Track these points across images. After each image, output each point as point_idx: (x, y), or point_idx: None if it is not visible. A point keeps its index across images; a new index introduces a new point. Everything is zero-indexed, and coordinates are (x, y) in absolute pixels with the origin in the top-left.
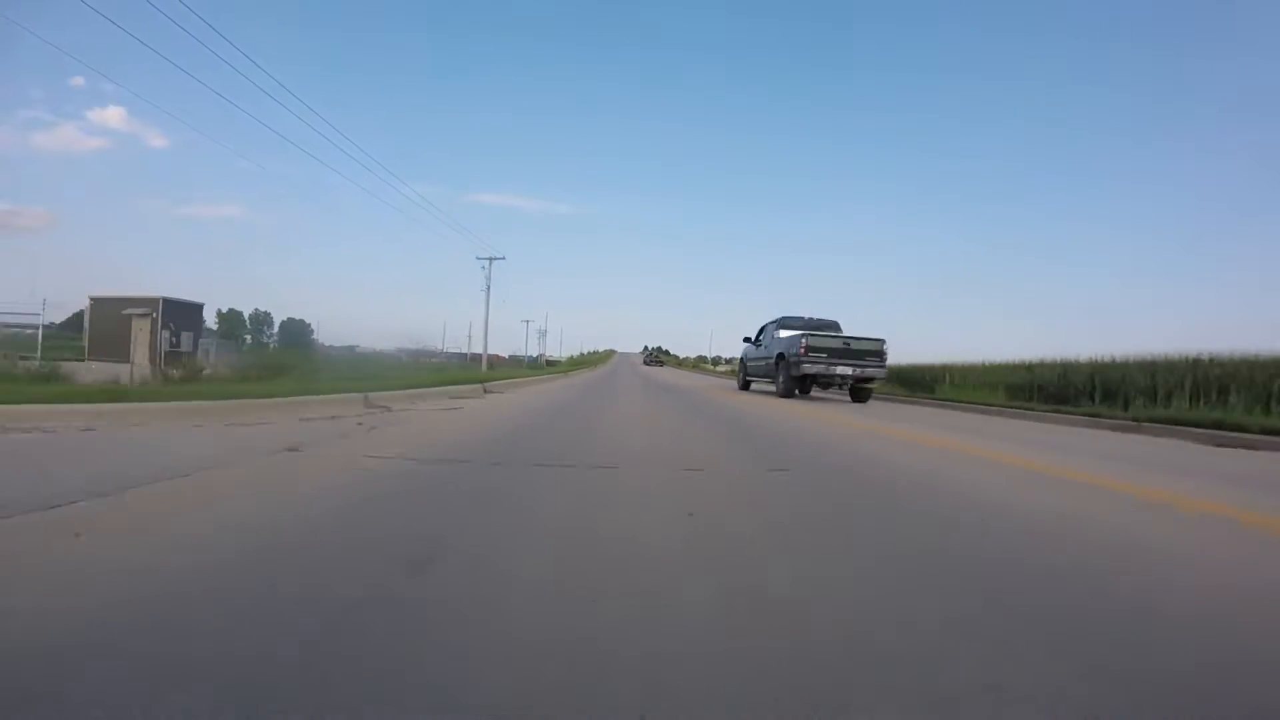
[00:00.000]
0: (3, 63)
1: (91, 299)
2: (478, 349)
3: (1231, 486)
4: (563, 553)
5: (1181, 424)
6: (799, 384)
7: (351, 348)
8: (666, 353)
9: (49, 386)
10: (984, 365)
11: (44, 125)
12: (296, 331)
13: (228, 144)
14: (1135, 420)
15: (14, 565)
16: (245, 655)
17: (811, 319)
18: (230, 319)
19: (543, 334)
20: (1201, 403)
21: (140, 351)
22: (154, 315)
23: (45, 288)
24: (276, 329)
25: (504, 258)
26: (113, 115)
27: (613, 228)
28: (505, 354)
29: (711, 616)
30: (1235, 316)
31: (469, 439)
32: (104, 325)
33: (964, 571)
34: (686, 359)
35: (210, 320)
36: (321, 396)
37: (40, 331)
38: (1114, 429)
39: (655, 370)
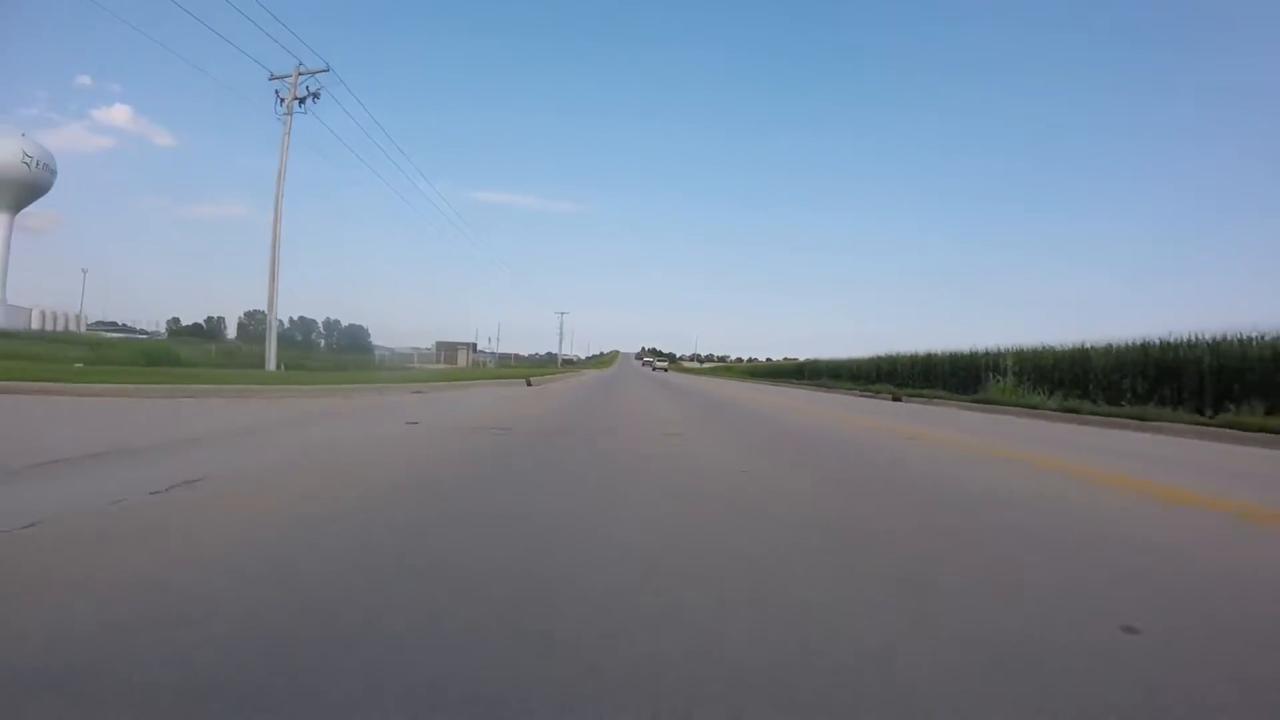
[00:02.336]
0: (7, 64)
1: (439, 343)
2: (504, 349)
3: None
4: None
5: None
6: (650, 367)
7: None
8: (660, 353)
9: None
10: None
11: (50, 124)
12: (357, 335)
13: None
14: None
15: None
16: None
17: (653, 349)
18: (303, 325)
19: (561, 338)
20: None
21: (461, 360)
22: (470, 348)
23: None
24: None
25: (569, 311)
26: (119, 114)
27: (612, 225)
28: (525, 353)
29: None
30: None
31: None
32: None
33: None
34: (680, 358)
35: (285, 322)
36: (549, 374)
37: (416, 352)
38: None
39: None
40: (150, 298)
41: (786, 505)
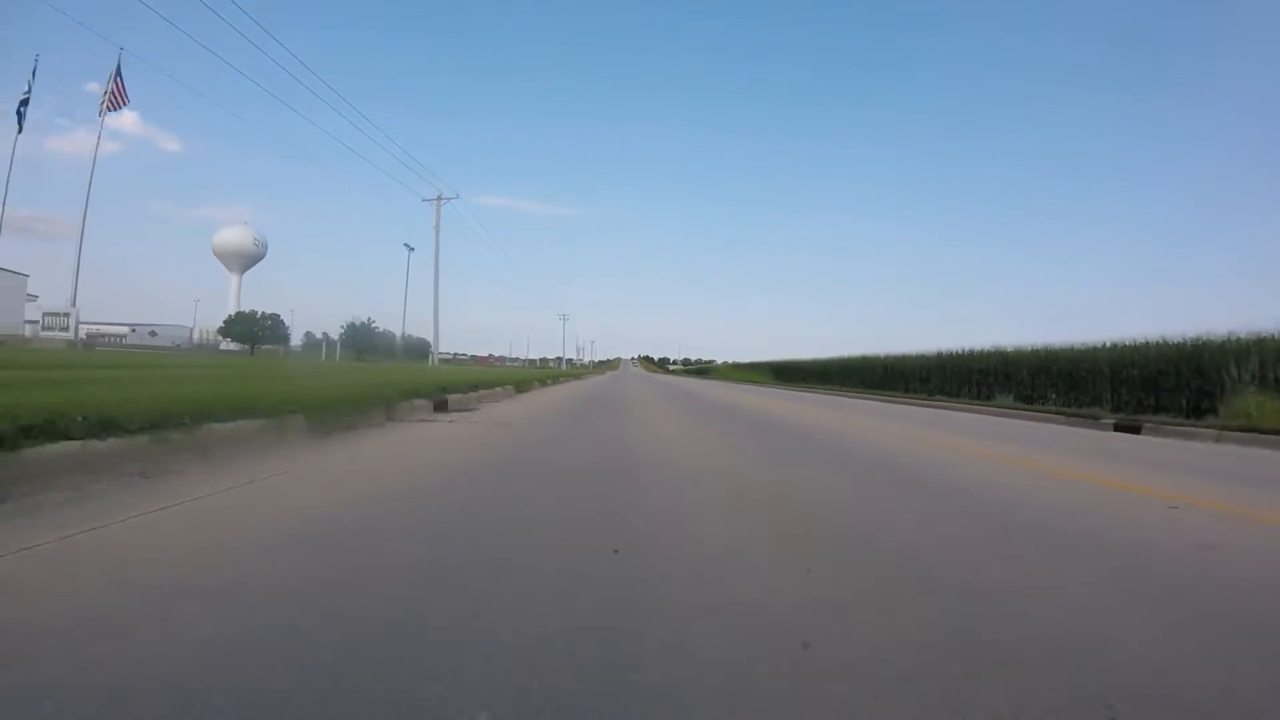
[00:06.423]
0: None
1: (540, 358)
2: (534, 355)
3: None
4: None
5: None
6: (631, 365)
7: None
8: (651, 360)
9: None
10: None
11: (59, 130)
12: (419, 344)
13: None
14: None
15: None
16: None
17: (645, 356)
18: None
19: (580, 349)
20: None
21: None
22: (559, 358)
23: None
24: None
25: (593, 342)
26: (127, 120)
27: (612, 230)
28: (534, 356)
29: None
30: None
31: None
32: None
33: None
34: (673, 362)
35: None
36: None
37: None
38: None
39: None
40: (172, 304)
41: None
